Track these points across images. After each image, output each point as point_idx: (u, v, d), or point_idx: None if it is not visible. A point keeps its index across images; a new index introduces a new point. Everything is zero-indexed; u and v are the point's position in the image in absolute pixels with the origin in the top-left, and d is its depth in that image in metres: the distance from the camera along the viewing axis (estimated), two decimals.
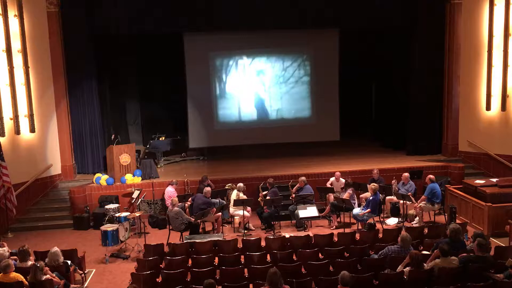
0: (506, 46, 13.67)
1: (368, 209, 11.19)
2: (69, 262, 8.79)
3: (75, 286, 8.83)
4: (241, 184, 12.09)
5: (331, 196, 12.13)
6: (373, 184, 11.52)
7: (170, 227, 11.14)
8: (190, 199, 12.27)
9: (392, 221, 11.88)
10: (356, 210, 11.49)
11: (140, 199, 12.42)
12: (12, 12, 12.58)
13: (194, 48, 16.15)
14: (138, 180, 13.64)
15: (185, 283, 7.82)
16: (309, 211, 11.49)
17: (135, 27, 14.30)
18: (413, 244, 8.53)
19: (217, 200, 12.24)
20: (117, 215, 11.39)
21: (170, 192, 12.54)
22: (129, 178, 13.60)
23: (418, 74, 15.30)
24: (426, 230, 9.90)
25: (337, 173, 12.72)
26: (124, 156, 13.83)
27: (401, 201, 11.62)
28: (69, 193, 13.38)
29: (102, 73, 15.33)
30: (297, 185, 12.32)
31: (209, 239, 9.75)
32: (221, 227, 11.60)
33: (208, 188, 11.85)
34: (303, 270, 8.16)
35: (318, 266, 8.13)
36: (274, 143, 16.93)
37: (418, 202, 11.66)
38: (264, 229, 11.86)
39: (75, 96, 14.39)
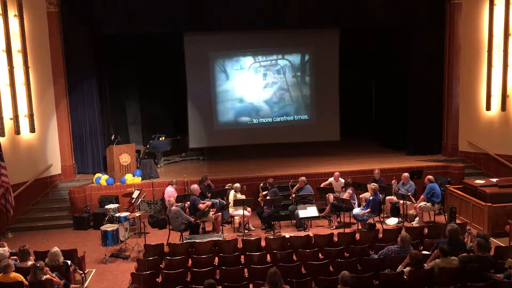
0: (506, 46, 13.67)
1: (368, 209, 11.20)
2: (69, 262, 8.79)
3: (75, 286, 8.83)
4: (237, 185, 12.10)
5: (331, 196, 12.13)
6: (373, 184, 11.53)
7: (170, 227, 11.15)
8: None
9: (392, 221, 11.88)
10: (356, 210, 11.49)
11: (140, 199, 12.41)
12: (12, 12, 12.58)
13: (194, 48, 16.12)
14: (138, 180, 13.64)
15: (185, 283, 7.82)
16: (309, 211, 11.48)
17: (135, 27, 14.27)
18: (413, 244, 8.53)
19: (217, 200, 12.24)
20: (117, 215, 11.39)
21: (170, 192, 12.53)
22: (129, 178, 13.59)
23: (418, 74, 15.28)
24: (426, 230, 9.91)
25: (336, 173, 12.71)
26: (124, 156, 13.83)
27: (401, 201, 11.61)
28: (69, 193, 13.38)
29: (102, 73, 15.31)
30: (297, 185, 12.33)
31: (209, 239, 9.75)
32: (221, 227, 11.60)
33: (195, 186, 11.77)
34: (303, 270, 8.16)
35: (318, 266, 8.13)
36: (274, 143, 16.92)
37: (418, 202, 11.66)
38: (264, 229, 11.87)
39: (75, 96, 14.38)
